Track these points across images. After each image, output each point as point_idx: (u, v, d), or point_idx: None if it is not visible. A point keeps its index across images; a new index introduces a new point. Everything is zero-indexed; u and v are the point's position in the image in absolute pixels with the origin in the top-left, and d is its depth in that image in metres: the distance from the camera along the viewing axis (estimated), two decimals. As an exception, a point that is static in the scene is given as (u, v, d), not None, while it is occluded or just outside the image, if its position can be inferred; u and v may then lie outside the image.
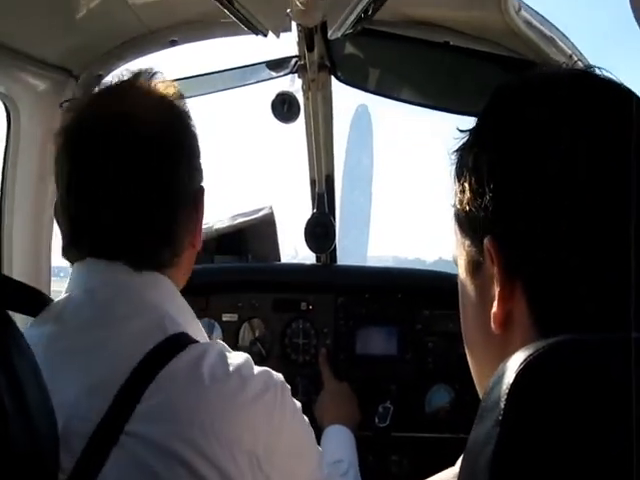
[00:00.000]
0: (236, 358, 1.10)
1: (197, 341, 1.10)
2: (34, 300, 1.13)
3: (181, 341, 1.07)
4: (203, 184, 1.27)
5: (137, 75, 1.23)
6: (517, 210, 0.72)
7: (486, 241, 0.75)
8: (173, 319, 1.12)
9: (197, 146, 1.25)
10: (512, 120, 0.77)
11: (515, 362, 0.57)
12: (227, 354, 1.10)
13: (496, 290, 0.75)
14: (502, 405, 0.55)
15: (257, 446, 1.03)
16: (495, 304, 0.75)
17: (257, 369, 1.11)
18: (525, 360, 0.56)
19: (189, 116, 1.25)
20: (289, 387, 1.16)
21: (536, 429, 0.54)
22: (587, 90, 0.76)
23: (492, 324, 0.76)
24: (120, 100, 1.19)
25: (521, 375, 0.55)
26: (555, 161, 0.71)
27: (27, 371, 0.83)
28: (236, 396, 1.04)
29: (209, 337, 1.23)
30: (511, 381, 0.55)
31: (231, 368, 1.07)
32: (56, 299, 1.15)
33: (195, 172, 1.23)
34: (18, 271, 2.15)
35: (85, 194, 1.14)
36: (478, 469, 0.56)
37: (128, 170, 1.13)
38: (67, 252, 1.19)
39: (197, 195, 1.24)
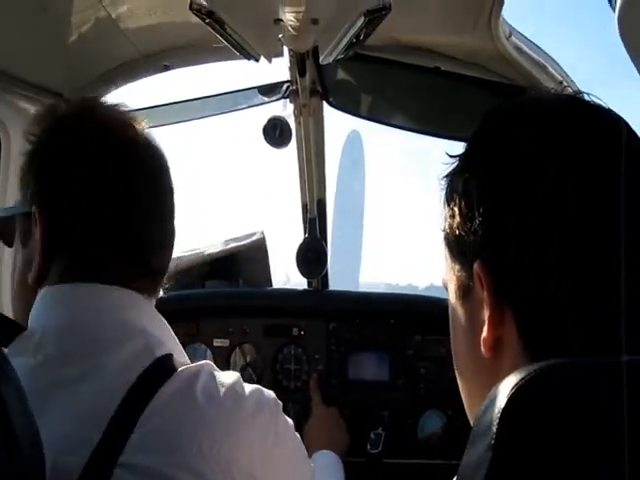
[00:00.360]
0: (227, 377, 1.07)
1: (185, 362, 1.08)
2: (4, 328, 1.08)
3: (170, 363, 1.04)
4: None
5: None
6: (507, 235, 0.72)
7: (476, 265, 0.75)
8: (158, 340, 1.09)
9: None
10: (501, 146, 0.77)
11: (506, 386, 0.56)
12: (217, 374, 1.07)
13: (486, 315, 0.75)
14: (494, 429, 0.54)
15: (254, 466, 1.01)
16: (485, 329, 0.75)
17: (249, 387, 1.09)
18: (516, 384, 0.55)
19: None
20: (281, 404, 1.14)
21: (528, 453, 0.53)
22: (576, 117, 0.76)
23: (482, 348, 0.76)
24: (88, 117, 1.18)
25: (513, 399, 0.55)
26: (544, 187, 0.70)
27: (12, 397, 0.81)
28: (233, 416, 1.02)
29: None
30: (503, 405, 0.55)
31: (224, 388, 1.04)
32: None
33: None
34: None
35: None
36: (470, 494, 0.56)
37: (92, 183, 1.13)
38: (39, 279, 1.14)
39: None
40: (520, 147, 0.74)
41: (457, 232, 0.78)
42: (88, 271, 1.11)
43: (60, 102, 2.06)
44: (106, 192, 1.12)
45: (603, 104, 0.77)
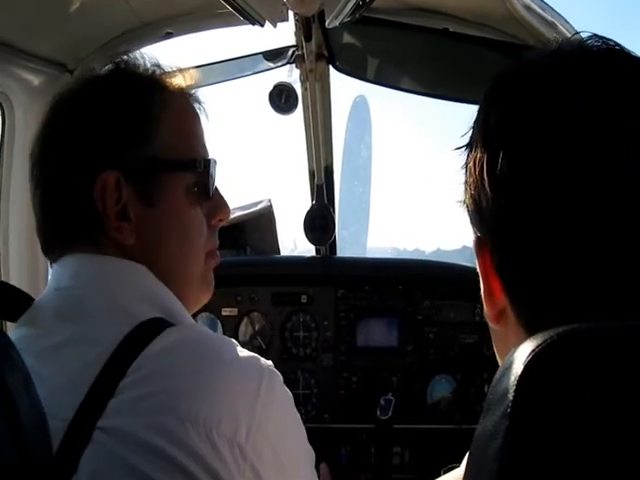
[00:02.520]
0: (217, 341, 1.06)
1: (173, 324, 1.05)
2: (14, 303, 1.10)
3: (155, 326, 1.02)
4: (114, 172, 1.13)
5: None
6: (515, 208, 0.70)
7: (474, 236, 0.77)
8: (144, 307, 1.07)
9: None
10: (517, 107, 0.74)
11: (523, 353, 0.55)
12: (208, 337, 1.06)
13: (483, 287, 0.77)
14: (510, 397, 0.54)
15: (238, 433, 0.97)
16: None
17: (243, 353, 1.05)
18: (533, 351, 0.54)
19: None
20: (279, 375, 1.08)
21: (546, 421, 0.52)
22: (592, 61, 0.73)
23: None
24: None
25: (530, 366, 0.54)
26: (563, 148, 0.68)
27: (18, 382, 0.81)
28: (214, 380, 0.99)
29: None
30: (519, 372, 0.54)
31: (210, 351, 1.02)
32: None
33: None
34: (15, 270, 2.13)
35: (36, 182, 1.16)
36: (486, 462, 0.55)
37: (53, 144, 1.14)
38: (47, 253, 1.18)
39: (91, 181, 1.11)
40: (537, 106, 0.72)
41: (468, 199, 0.78)
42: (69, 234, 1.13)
43: (64, 72, 2.04)
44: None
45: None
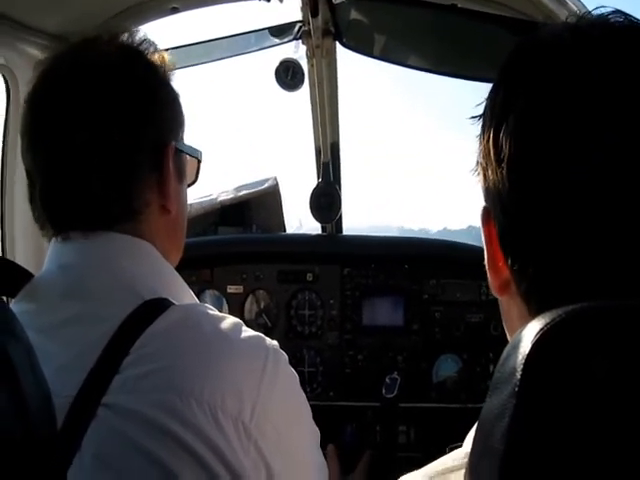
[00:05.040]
0: (222, 320, 1.06)
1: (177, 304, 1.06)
2: (13, 279, 1.10)
3: (160, 305, 1.03)
4: (179, 146, 1.21)
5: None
6: (526, 185, 0.69)
7: (482, 209, 0.76)
8: (150, 286, 1.07)
9: (168, 97, 1.20)
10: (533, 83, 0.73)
11: (531, 331, 0.54)
12: (212, 316, 1.06)
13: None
14: (518, 376, 0.53)
15: (243, 412, 0.97)
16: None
17: (247, 333, 1.06)
18: (542, 329, 0.54)
19: (158, 68, 1.20)
20: (284, 355, 1.09)
21: (554, 401, 0.52)
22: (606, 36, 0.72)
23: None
24: (80, 51, 1.18)
25: (538, 344, 0.53)
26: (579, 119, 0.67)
27: (22, 356, 0.81)
28: (218, 358, 0.99)
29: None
30: (527, 351, 0.53)
31: (215, 330, 1.03)
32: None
33: (160, 124, 1.16)
34: (20, 246, 2.13)
35: (37, 149, 1.14)
36: (493, 442, 0.54)
37: (78, 116, 1.09)
38: (43, 229, 1.15)
39: (160, 150, 1.15)
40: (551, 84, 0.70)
41: (478, 168, 0.78)
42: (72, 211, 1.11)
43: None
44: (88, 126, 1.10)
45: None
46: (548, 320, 0.54)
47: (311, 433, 1.17)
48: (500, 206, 0.72)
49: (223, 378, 0.98)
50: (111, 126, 1.09)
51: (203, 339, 1.01)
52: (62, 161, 1.10)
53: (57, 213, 1.12)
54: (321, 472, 1.19)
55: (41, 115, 1.14)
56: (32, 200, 1.15)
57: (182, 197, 1.23)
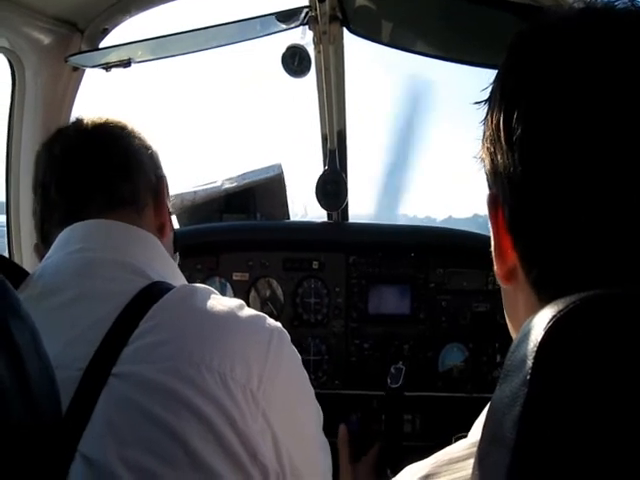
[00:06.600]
0: (229, 300, 1.12)
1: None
2: (15, 277, 1.12)
3: (165, 285, 1.10)
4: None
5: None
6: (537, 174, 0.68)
7: (487, 194, 0.76)
8: (158, 270, 1.16)
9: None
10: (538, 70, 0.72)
11: (543, 319, 0.53)
12: (218, 296, 1.13)
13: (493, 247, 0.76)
14: (530, 364, 0.52)
15: (251, 380, 1.02)
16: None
17: (250, 312, 1.12)
18: (554, 316, 0.53)
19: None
20: (288, 335, 1.15)
21: (567, 389, 0.51)
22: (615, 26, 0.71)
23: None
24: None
25: (551, 332, 0.52)
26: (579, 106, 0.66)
27: (26, 338, 0.81)
28: (226, 330, 1.05)
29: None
30: (539, 338, 0.52)
31: (221, 306, 1.09)
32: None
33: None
34: (26, 232, 2.13)
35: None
36: (504, 430, 0.54)
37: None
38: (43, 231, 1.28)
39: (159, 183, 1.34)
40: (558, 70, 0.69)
41: (485, 153, 0.76)
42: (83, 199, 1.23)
43: (74, 31, 2.02)
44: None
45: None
46: (561, 307, 0.53)
47: (316, 412, 1.21)
48: (510, 189, 0.71)
49: (231, 348, 1.03)
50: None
51: (210, 313, 1.07)
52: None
53: (73, 200, 1.23)
54: (324, 450, 1.23)
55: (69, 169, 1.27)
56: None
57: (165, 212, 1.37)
